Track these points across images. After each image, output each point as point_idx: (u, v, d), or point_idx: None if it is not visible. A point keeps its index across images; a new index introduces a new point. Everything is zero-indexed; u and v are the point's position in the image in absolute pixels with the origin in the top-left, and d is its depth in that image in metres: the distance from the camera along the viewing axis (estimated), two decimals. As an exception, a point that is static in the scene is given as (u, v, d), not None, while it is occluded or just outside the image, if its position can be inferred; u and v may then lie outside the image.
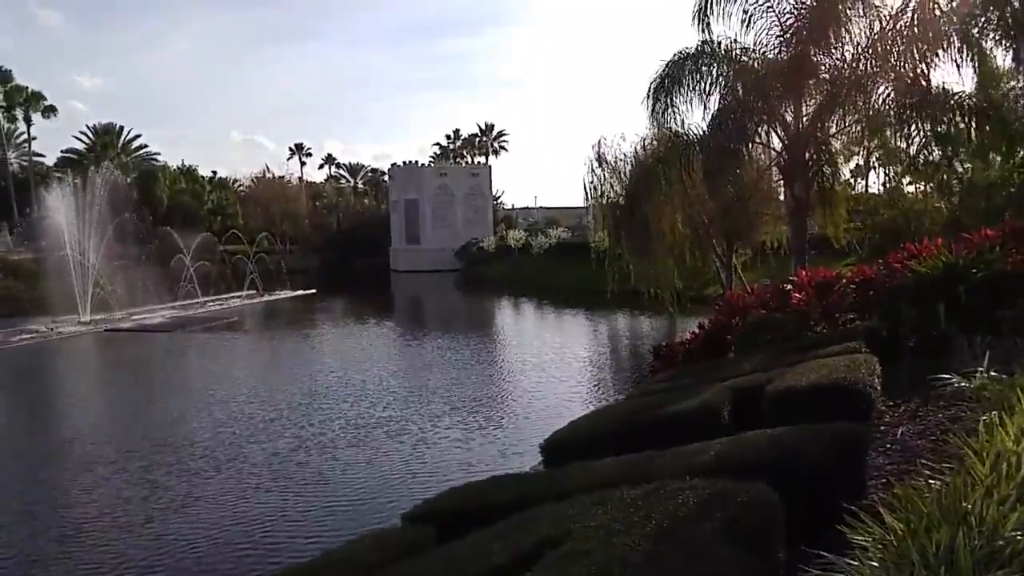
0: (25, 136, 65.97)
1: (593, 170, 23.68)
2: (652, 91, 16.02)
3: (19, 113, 61.55)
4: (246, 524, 9.84)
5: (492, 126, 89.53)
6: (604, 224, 24.33)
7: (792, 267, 14.31)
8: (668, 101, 15.33)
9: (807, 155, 14.99)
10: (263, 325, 34.50)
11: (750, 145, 15.69)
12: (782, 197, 19.62)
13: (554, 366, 20.25)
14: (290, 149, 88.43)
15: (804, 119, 14.84)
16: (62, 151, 71.89)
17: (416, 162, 71.41)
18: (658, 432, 6.00)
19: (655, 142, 19.15)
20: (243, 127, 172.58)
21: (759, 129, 15.17)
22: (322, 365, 22.03)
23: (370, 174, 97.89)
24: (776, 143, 15.75)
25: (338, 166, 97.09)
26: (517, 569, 3.33)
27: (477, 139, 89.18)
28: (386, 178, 78.50)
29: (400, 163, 70.65)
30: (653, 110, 15.97)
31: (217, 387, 18.94)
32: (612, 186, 23.18)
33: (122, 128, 71.87)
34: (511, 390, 17.81)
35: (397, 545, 4.44)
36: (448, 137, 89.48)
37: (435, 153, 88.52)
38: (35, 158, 68.91)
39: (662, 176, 17.28)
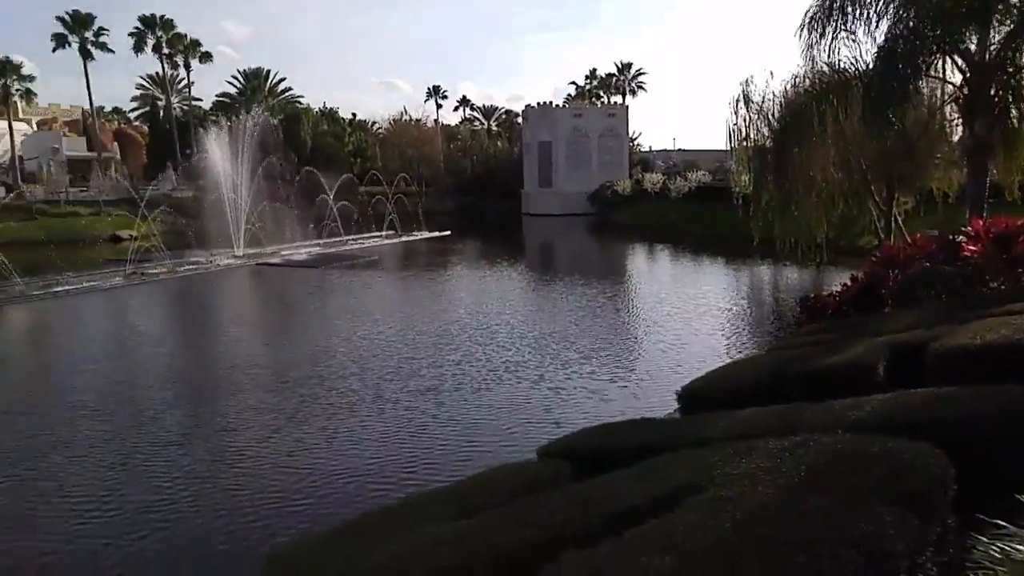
0: (185, 81, 70.96)
1: (737, 111, 22.37)
2: (808, 22, 14.82)
3: (179, 60, 65.90)
4: (388, 458, 10.20)
5: (629, 65, 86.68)
6: (747, 168, 23.04)
7: (967, 216, 12.94)
8: (827, 32, 14.11)
9: (992, 90, 13.38)
10: (401, 264, 35.77)
11: (922, 80, 14.18)
12: (955, 138, 17.78)
13: (692, 316, 19.69)
14: (427, 91, 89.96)
15: (991, 48, 13.21)
16: (216, 95, 77.07)
17: (551, 103, 70.41)
18: (806, 386, 5.66)
19: (808, 80, 17.73)
20: (381, 71, 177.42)
21: (934, 61, 13.68)
22: (456, 305, 22.57)
23: (504, 116, 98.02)
24: (954, 77, 14.18)
25: (472, 108, 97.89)
26: (656, 510, 3.23)
27: (614, 79, 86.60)
28: (519, 120, 78.24)
29: (534, 104, 69.97)
30: (808, 44, 14.80)
31: (358, 322, 19.87)
32: (758, 128, 21.84)
33: (269, 72, 75.77)
34: (646, 339, 17.50)
35: (535, 476, 4.52)
36: (586, 77, 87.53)
37: (570, 94, 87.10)
38: (194, 102, 74.13)
39: (815, 117, 16.08)
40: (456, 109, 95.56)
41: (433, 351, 16.15)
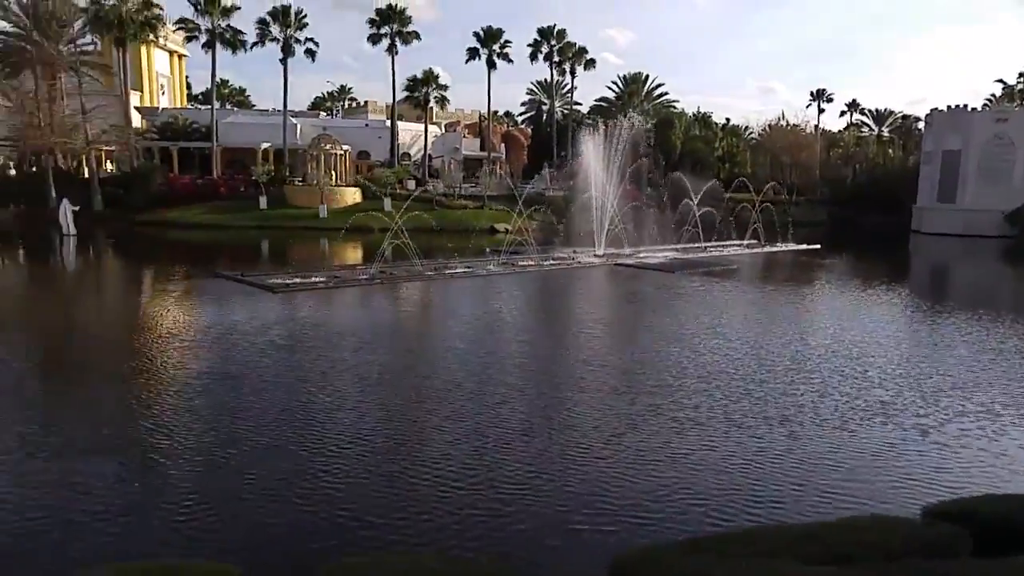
0: (569, 86, 75.82)
1: None
2: None
3: (567, 67, 70.55)
4: (732, 485, 9.26)
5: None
6: None
7: None
8: None
9: None
10: (760, 277, 33.50)
11: None
12: None
13: None
14: (810, 94, 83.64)
15: None
16: (595, 100, 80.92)
17: (965, 106, 60.22)
18: None
19: None
20: (759, 74, 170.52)
21: None
22: (818, 328, 20.09)
23: (900, 121, 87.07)
24: None
25: (862, 112, 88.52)
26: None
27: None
28: (920, 125, 68.51)
29: (942, 108, 60.53)
30: None
31: (708, 334, 18.73)
32: None
33: (647, 77, 77.24)
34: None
35: (925, 539, 3.97)
36: (1020, 75, 73.34)
37: (993, 95, 73.76)
38: (574, 106, 78.90)
39: None
40: (842, 114, 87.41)
41: (789, 376, 14.37)
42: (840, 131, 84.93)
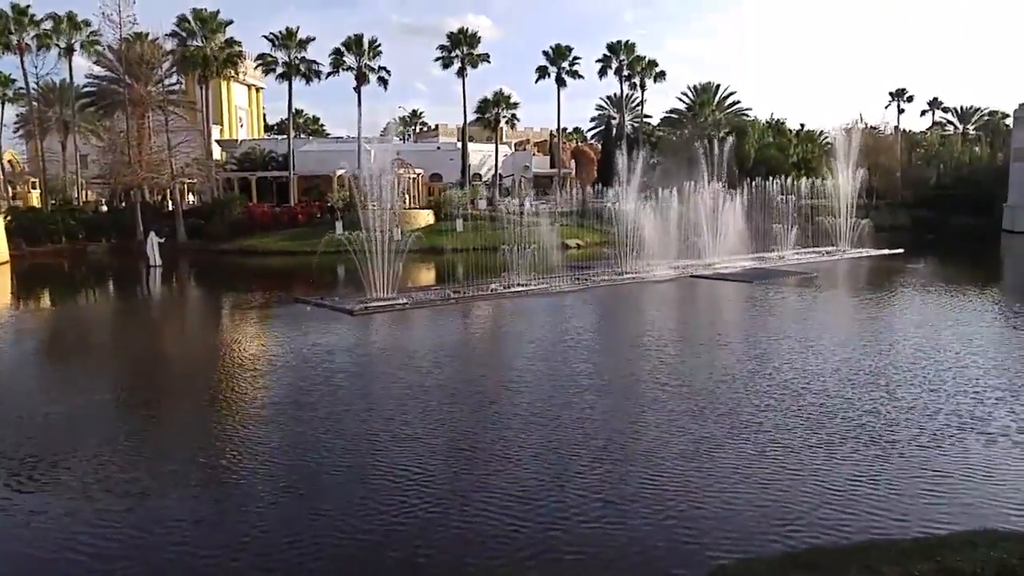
0: (639, 100, 75.26)
1: None
2: None
3: (636, 80, 70.09)
4: (825, 502, 9.01)
5: None
6: None
7: None
8: None
9: None
10: (841, 284, 32.41)
11: None
12: None
13: None
14: (889, 95, 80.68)
15: None
16: (665, 112, 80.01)
17: (1056, 99, 56.97)
18: None
19: None
20: (832, 78, 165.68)
21: None
22: (904, 337, 19.25)
23: (986, 118, 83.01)
24: None
25: (944, 110, 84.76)
26: None
27: None
28: (1008, 121, 65.18)
29: (1032, 101, 57.51)
30: None
31: (787, 346, 18.29)
32: None
33: (718, 86, 75.83)
34: None
35: None
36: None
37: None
38: (644, 119, 78.27)
39: None
40: (923, 114, 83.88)
41: (876, 391, 13.82)
42: (922, 132, 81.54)
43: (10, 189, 61.31)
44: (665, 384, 14.80)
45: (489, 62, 63.03)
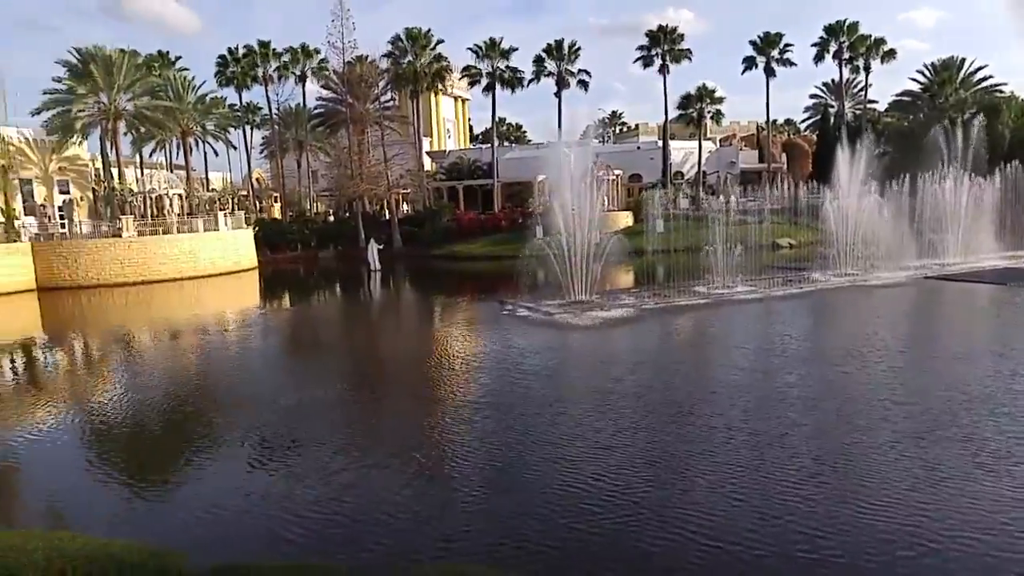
0: (862, 84, 68.34)
1: None
2: None
3: (859, 63, 63.66)
4: None
5: None
6: None
7: None
8: None
9: None
10: None
11: None
12: None
13: None
14: None
15: None
16: (894, 95, 71.67)
17: None
18: None
19: None
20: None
21: None
22: None
23: None
24: None
25: None
26: None
27: None
28: None
29: None
30: None
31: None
32: None
33: (963, 61, 66.34)
34: None
35: None
36: None
37: None
38: (868, 104, 70.95)
39: None
40: None
41: None
42: None
43: (258, 203, 69.34)
44: (886, 400, 12.70)
45: (691, 59, 60.73)
